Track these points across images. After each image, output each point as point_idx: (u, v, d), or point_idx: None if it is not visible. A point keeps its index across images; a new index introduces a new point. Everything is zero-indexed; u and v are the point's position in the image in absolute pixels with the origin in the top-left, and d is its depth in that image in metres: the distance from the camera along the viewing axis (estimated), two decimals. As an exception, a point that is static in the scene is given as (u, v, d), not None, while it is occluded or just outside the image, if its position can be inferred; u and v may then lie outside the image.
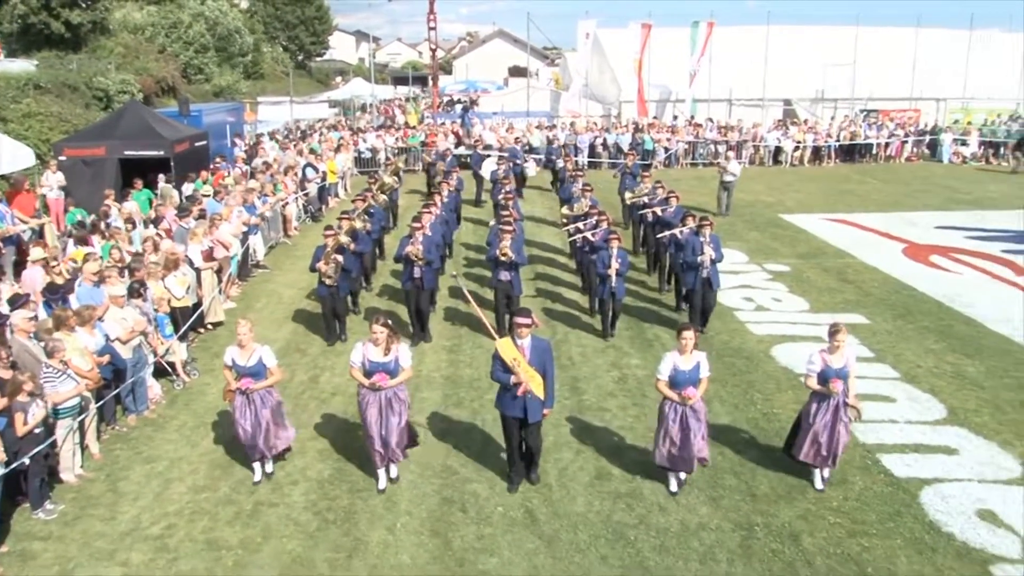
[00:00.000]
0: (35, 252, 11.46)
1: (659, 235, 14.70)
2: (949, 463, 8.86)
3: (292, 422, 8.94)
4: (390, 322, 8.12)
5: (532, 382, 7.73)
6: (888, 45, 36.96)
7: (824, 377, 8.04)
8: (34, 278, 10.97)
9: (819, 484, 8.33)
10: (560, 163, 22.77)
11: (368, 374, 8.00)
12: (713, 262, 12.37)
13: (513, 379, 7.72)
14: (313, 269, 12.41)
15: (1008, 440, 9.33)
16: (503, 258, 12.05)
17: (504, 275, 12.25)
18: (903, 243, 19.00)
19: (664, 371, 8.01)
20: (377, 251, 16.57)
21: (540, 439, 8.28)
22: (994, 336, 12.81)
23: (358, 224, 13.79)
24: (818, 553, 7.29)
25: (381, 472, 8.35)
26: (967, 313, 13.86)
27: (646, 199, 16.49)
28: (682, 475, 8.23)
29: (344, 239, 12.66)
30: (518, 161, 23.79)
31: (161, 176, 18.47)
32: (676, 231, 13.53)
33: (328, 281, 12.25)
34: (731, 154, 24.46)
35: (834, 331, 8.15)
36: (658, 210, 15.47)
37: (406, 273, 12.35)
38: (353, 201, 15.98)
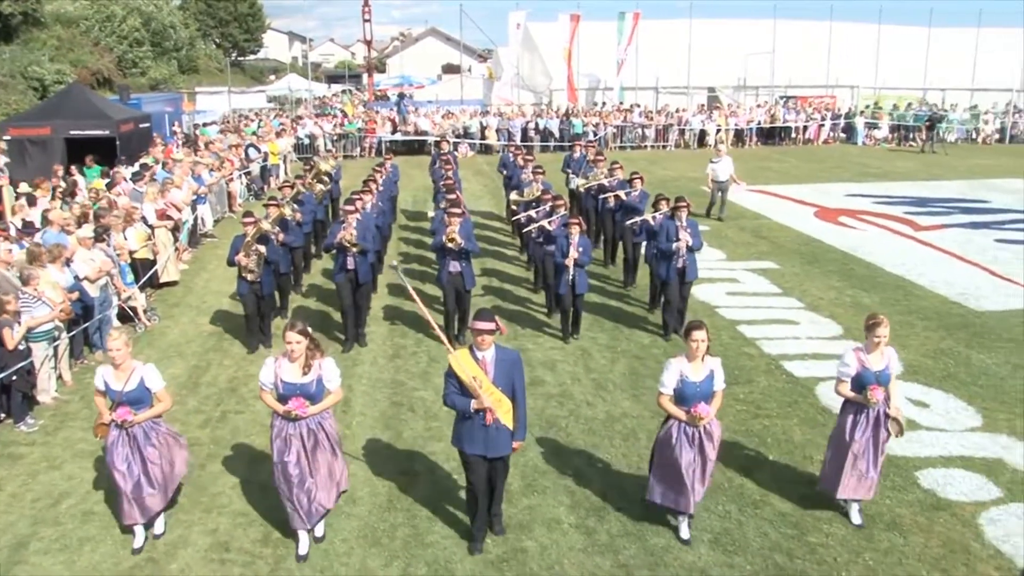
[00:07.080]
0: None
1: (628, 221, 13.23)
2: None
3: (188, 454, 6.96)
4: (310, 329, 6.32)
5: (499, 407, 6.11)
6: (805, 37, 38.96)
7: (861, 382, 6.57)
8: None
9: (856, 519, 6.79)
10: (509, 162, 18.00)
11: (282, 399, 6.16)
12: (690, 249, 10.97)
13: (475, 404, 6.06)
14: (231, 263, 10.71)
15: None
16: (451, 244, 10.46)
17: (454, 266, 10.68)
18: (815, 207, 20.52)
19: (668, 383, 6.39)
20: (313, 247, 15.21)
21: (505, 478, 6.63)
22: (890, 276, 14.28)
23: (287, 212, 12.09)
24: (725, 431, 8.36)
25: (303, 535, 6.40)
26: (867, 259, 15.34)
27: (605, 182, 14.83)
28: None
29: (266, 226, 10.90)
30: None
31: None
32: (648, 216, 12.26)
33: (250, 276, 10.61)
34: (721, 147, 21.41)
35: (873, 323, 6.57)
36: (621, 194, 13.96)
37: (338, 263, 10.91)
38: (280, 188, 14.49)
